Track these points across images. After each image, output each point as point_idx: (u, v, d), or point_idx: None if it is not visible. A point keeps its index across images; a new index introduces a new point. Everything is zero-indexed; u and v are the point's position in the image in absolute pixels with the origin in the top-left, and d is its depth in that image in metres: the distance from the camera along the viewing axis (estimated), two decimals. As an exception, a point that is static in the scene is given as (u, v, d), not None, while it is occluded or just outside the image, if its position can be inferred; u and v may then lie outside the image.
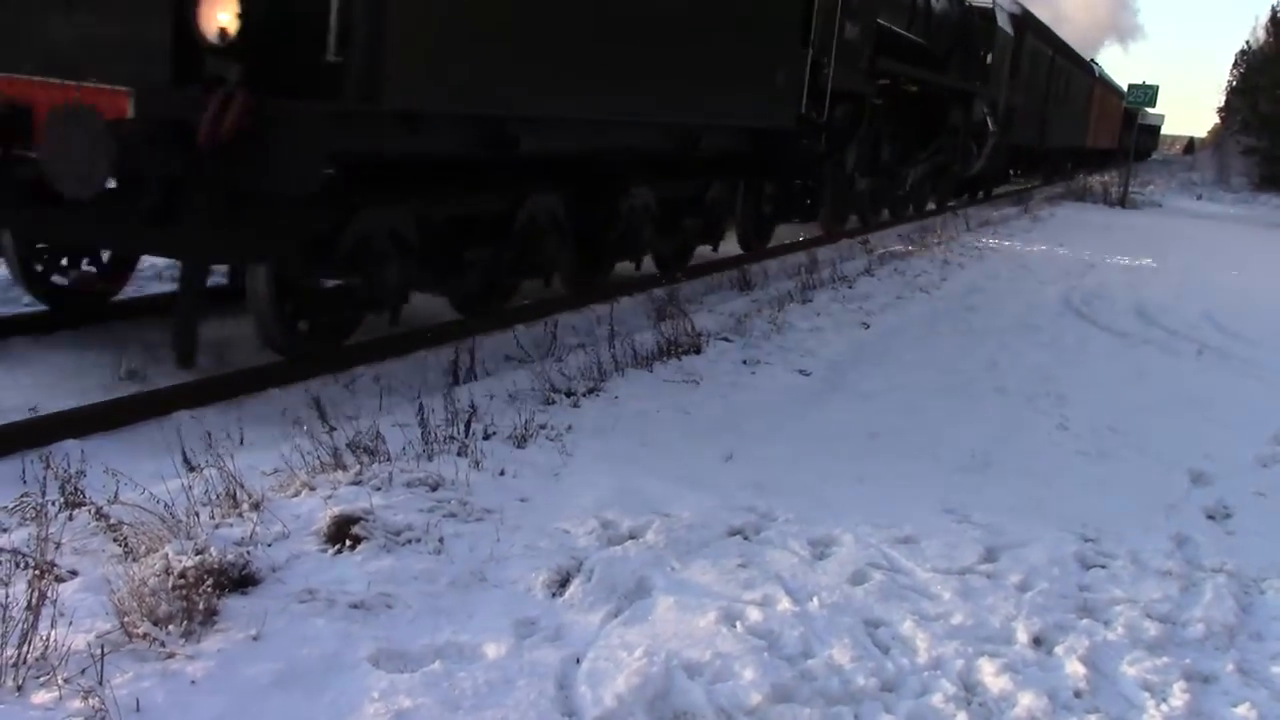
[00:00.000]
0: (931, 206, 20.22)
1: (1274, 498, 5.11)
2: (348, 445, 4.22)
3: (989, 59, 20.12)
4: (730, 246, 11.41)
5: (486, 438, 4.56)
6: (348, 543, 3.43)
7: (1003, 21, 21.46)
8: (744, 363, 6.47)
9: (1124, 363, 7.88)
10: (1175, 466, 5.43)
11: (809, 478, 4.69)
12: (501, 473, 4.23)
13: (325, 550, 3.41)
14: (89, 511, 3.41)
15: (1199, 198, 37.61)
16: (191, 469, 4.07)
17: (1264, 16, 58.18)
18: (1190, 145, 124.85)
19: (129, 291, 7.13)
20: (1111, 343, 8.62)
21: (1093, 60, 43.67)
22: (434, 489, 3.95)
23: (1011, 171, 32.34)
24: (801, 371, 6.50)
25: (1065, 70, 33.27)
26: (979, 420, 5.92)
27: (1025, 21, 24.83)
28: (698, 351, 6.49)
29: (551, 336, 6.58)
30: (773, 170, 10.99)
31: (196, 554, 3.06)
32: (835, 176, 13.23)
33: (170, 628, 2.84)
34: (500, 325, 7.09)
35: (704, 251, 10.63)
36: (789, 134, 10.17)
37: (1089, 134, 42.98)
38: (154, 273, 7.77)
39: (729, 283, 9.77)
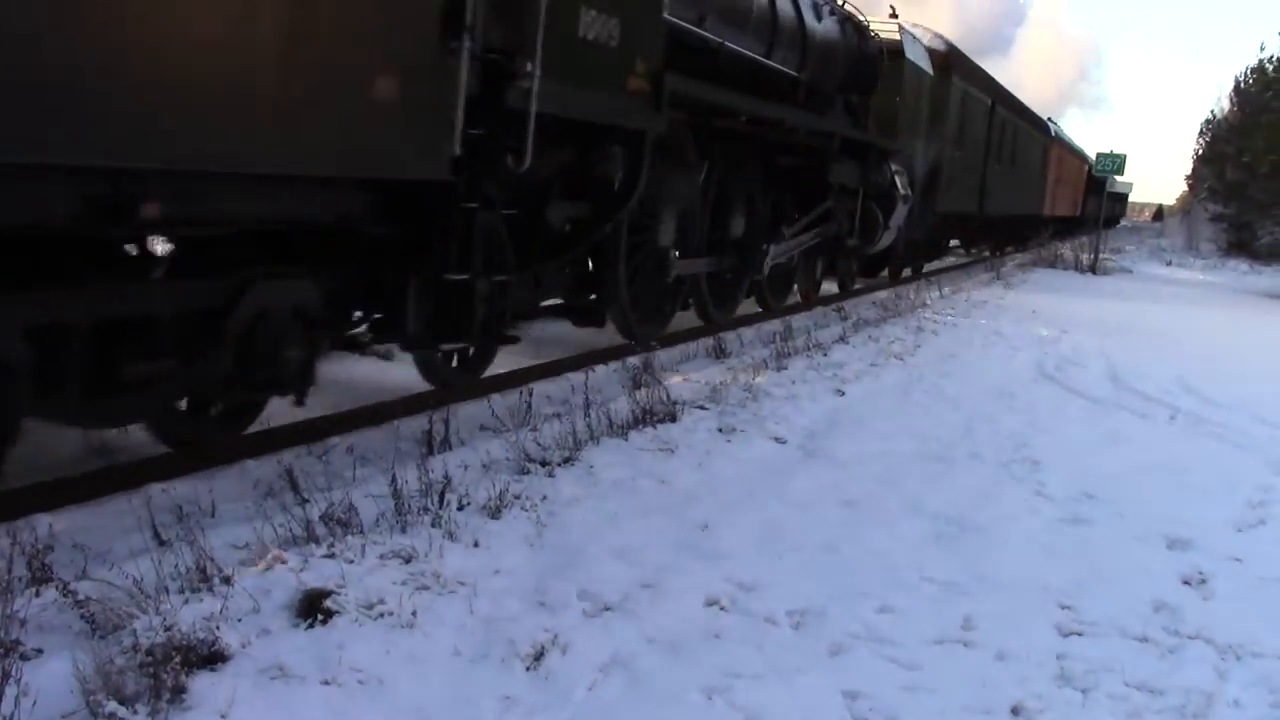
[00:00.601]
0: (835, 288, 16.48)
1: (1250, 563, 5.12)
2: (320, 517, 4.18)
3: (897, 103, 16.18)
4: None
5: (461, 508, 4.52)
6: (319, 617, 3.38)
7: (915, 56, 17.23)
8: (720, 430, 6.46)
9: (1098, 428, 7.91)
10: (1151, 532, 5.43)
11: (786, 547, 4.67)
12: (476, 544, 4.19)
13: (297, 625, 3.36)
14: (56, 588, 3.35)
15: (1169, 264, 38.11)
16: (161, 543, 4.02)
17: (1228, 86, 59.30)
18: (1159, 212, 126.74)
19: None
20: (1086, 408, 8.66)
21: (1049, 119, 39.11)
22: (407, 561, 3.91)
23: (953, 244, 29.39)
24: (777, 439, 6.50)
25: (1012, 125, 28.75)
26: (955, 487, 5.92)
27: (953, 61, 20.33)
28: (673, 420, 6.48)
29: (527, 405, 6.56)
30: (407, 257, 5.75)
31: (165, 630, 3.02)
32: (642, 258, 9.21)
33: (138, 706, 2.78)
34: (476, 394, 7.07)
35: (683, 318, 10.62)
36: (439, 193, 5.55)
37: (1046, 200, 37.60)
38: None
39: (704, 350, 9.79)
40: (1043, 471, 6.43)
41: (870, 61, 13.79)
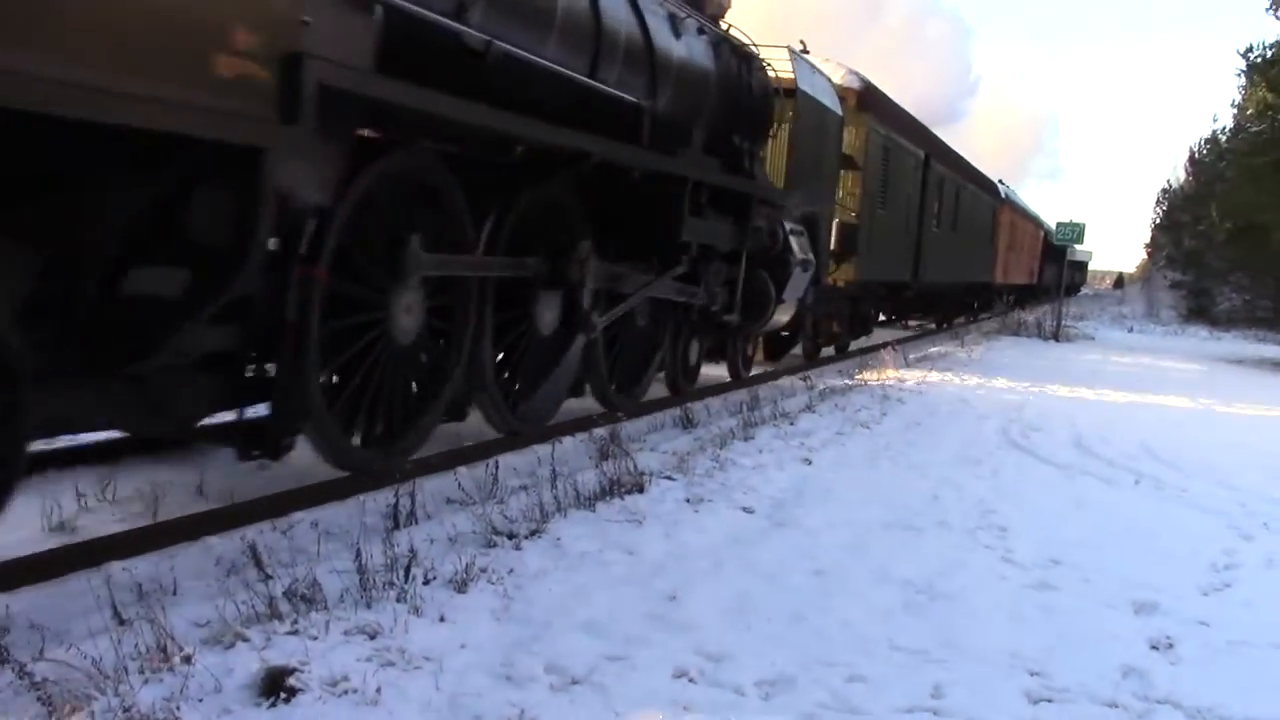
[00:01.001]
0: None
1: (1216, 627, 5.13)
2: (284, 593, 4.14)
3: (795, 148, 13.20)
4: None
5: (426, 583, 4.48)
6: (282, 695, 3.33)
7: (816, 91, 13.71)
8: (688, 501, 6.45)
9: (1064, 494, 7.95)
10: (1119, 597, 5.44)
11: (755, 617, 4.65)
12: (442, 619, 4.15)
13: (259, 704, 3.31)
14: (12, 670, 3.29)
15: (1130, 330, 38.60)
16: (121, 622, 3.95)
17: (1183, 156, 60.59)
18: (1120, 280, 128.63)
19: (63, 439, 7.01)
20: (1051, 474, 8.71)
21: (1000, 181, 35.78)
22: (372, 637, 3.86)
23: (889, 318, 26.35)
24: (745, 509, 6.49)
25: (953, 184, 25.47)
26: (923, 555, 5.92)
27: (870, 101, 17.02)
28: (641, 490, 6.47)
29: (493, 478, 6.53)
30: None
31: (123, 711, 2.97)
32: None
33: (93, 791, 2.72)
34: (442, 468, 7.03)
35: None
36: None
37: (997, 267, 34.43)
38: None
39: (672, 421, 9.80)
40: (1010, 538, 6.44)
41: (760, 96, 11.46)
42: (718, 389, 12.30)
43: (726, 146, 10.78)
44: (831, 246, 15.27)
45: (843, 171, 16.12)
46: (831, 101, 14.73)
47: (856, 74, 16.97)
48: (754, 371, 13.82)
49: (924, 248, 21.97)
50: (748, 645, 4.30)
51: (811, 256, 12.70)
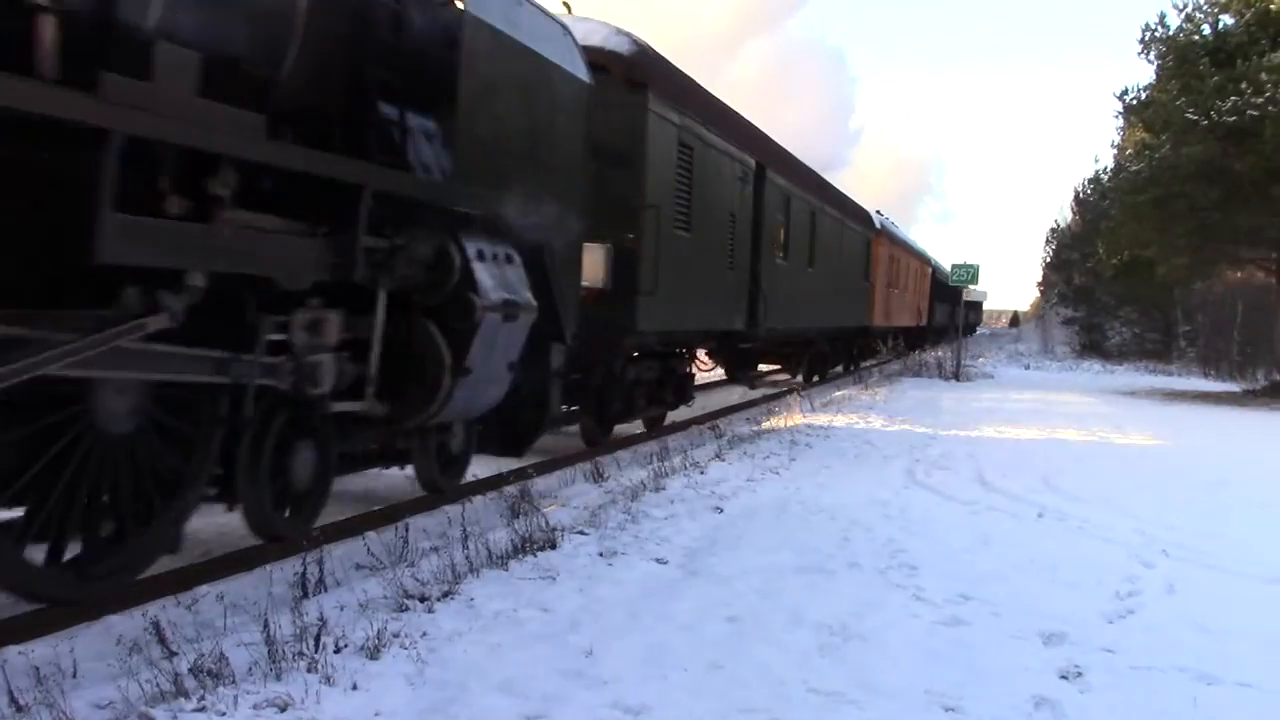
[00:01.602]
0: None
1: (1122, 653, 5.24)
2: (190, 670, 4.04)
3: (469, 113, 7.48)
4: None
5: (337, 651, 4.41)
6: (190, 775, 3.23)
7: (518, 30, 8.15)
8: (601, 555, 6.44)
9: (970, 530, 8.08)
10: (1027, 629, 5.54)
11: (672, 667, 4.64)
12: (354, 687, 4.08)
13: (166, 785, 3.21)
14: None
15: (1027, 367, 39.52)
16: (19, 709, 3.82)
17: (1069, 197, 62.57)
18: (1015, 318, 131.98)
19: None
20: (957, 512, 8.84)
21: (877, 211, 31.71)
22: (283, 709, 3.79)
23: (732, 376, 21.04)
24: (659, 560, 6.49)
25: (806, 208, 20.47)
26: (836, 597, 5.97)
27: (649, 75, 11.94)
28: (553, 546, 6.44)
29: (403, 541, 6.45)
30: None
31: (22, 801, 2.85)
32: None
33: None
34: (350, 533, 6.94)
35: (554, 444, 10.60)
36: None
37: (874, 308, 29.55)
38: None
39: (582, 475, 9.78)
40: (920, 576, 6.53)
41: (428, 41, 7.45)
42: (630, 440, 12.33)
43: (342, 106, 6.79)
44: (594, 282, 10.60)
45: (617, 174, 11.17)
46: (565, 58, 9.08)
47: (631, 37, 11.75)
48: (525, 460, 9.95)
49: (764, 286, 16.80)
50: (667, 697, 4.29)
51: (528, 297, 7.98)
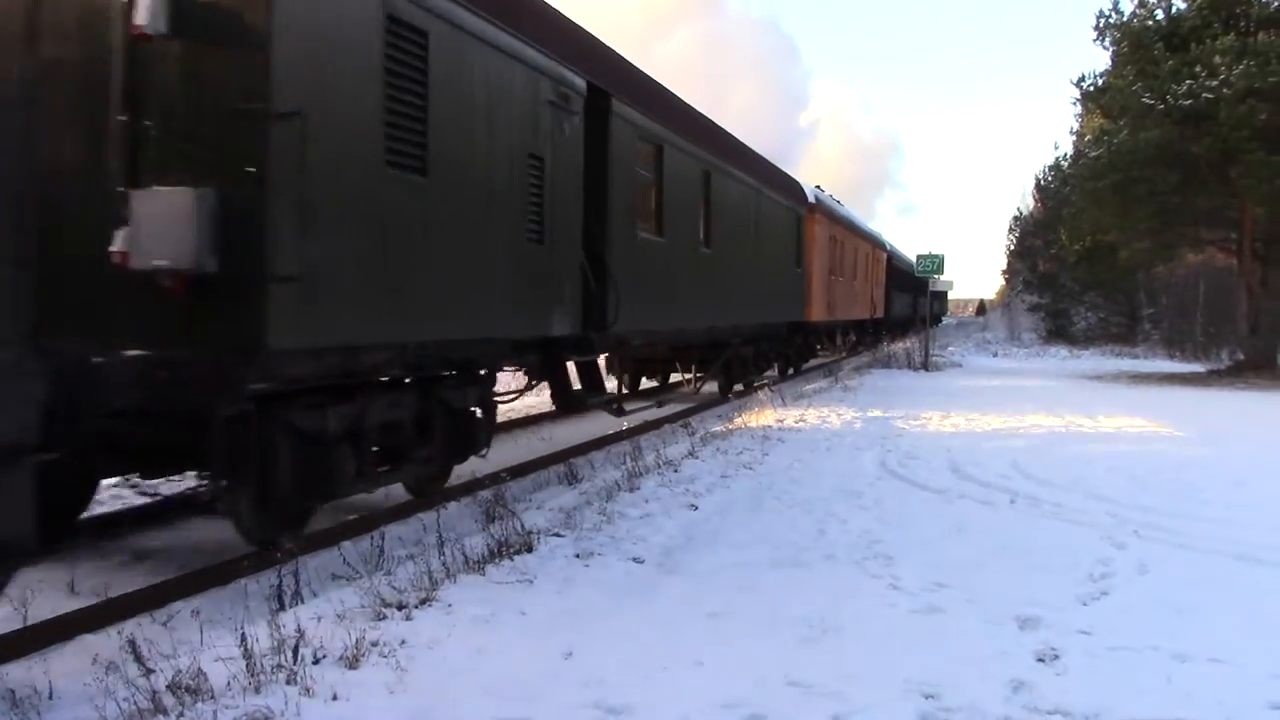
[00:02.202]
0: None
1: (1098, 635, 5.29)
2: (167, 687, 4.02)
3: None
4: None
5: (316, 662, 4.40)
6: (172, 792, 3.21)
7: None
8: (577, 556, 6.44)
9: (944, 518, 8.13)
10: (1003, 614, 5.58)
11: (653, 666, 4.65)
12: (334, 697, 4.07)
13: (147, 803, 3.19)
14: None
15: (995, 355, 39.83)
16: (-5, 732, 3.79)
17: (1031, 185, 63.04)
18: (981, 306, 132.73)
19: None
20: (930, 500, 8.90)
21: (817, 187, 26.34)
22: (263, 722, 3.77)
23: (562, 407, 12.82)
24: (635, 559, 6.50)
25: (696, 167, 15.25)
26: (813, 589, 5.99)
27: None
28: (530, 550, 6.43)
29: (379, 550, 6.43)
30: None
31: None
32: None
33: None
34: (325, 543, 6.91)
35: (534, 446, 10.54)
36: None
37: (811, 300, 24.41)
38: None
39: (556, 478, 9.78)
40: (896, 565, 6.56)
41: None
42: (601, 441, 12.32)
43: None
44: (173, 260, 5.88)
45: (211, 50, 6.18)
46: None
47: None
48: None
49: (615, 271, 11.48)
50: (649, 695, 4.29)
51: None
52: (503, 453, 9.94)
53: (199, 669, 4.13)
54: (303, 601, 5.53)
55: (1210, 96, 22.41)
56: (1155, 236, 27.88)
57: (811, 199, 24.76)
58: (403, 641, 4.72)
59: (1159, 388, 24.03)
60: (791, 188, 22.86)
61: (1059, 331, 53.77)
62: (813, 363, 28.97)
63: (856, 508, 8.38)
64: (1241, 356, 28.88)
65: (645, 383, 19.80)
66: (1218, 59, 22.61)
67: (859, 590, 6.04)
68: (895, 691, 4.42)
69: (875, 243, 37.47)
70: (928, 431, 13.62)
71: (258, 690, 4.05)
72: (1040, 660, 4.92)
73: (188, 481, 7.94)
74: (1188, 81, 22.81)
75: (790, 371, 25.31)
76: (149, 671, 4.23)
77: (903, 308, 47.94)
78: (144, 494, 8.37)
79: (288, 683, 4.13)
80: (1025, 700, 4.40)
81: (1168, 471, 10.73)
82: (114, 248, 5.84)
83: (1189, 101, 22.69)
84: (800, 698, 4.35)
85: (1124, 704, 4.34)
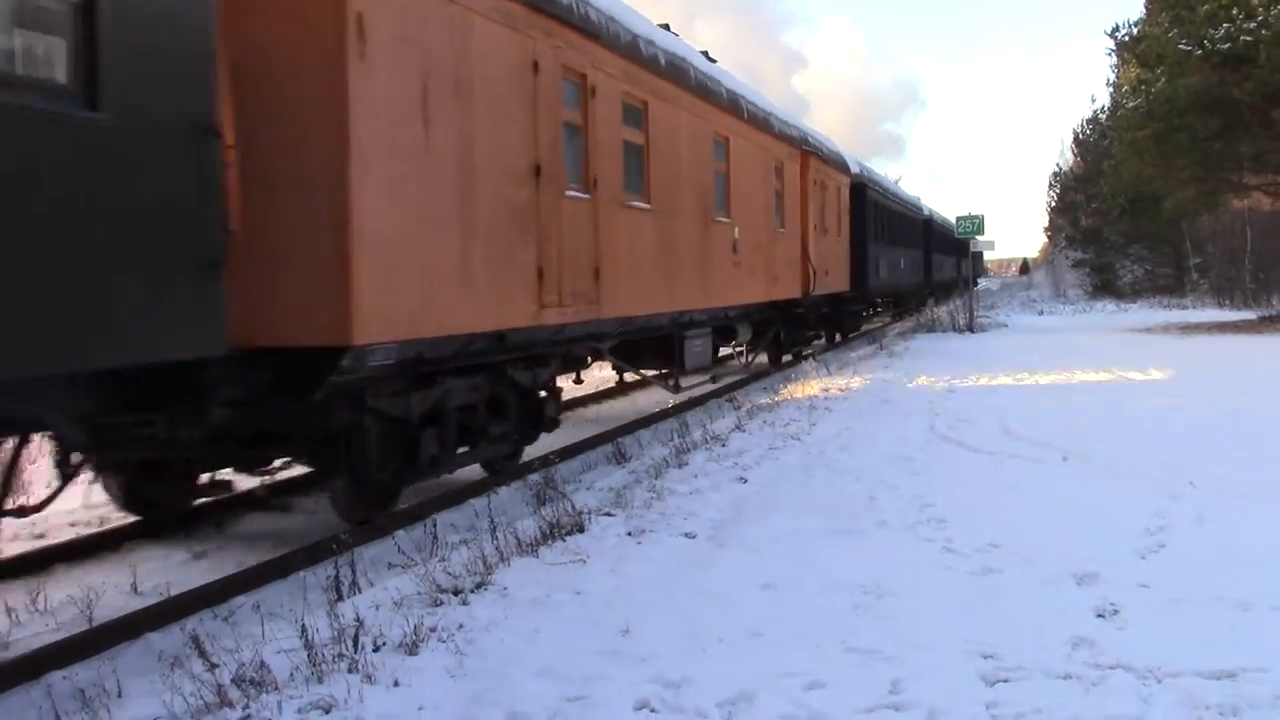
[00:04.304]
0: None
1: (1157, 588, 5.24)
2: (232, 680, 4.07)
3: None
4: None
5: (376, 649, 4.44)
6: (241, 782, 3.26)
7: None
8: (629, 534, 6.45)
9: (996, 479, 8.07)
10: (1060, 572, 5.54)
11: (709, 638, 4.66)
12: (396, 683, 4.11)
13: (218, 794, 3.25)
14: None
15: (1040, 313, 39.47)
16: (68, 732, 3.86)
17: (1069, 139, 62.25)
18: (1025, 265, 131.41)
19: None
20: (981, 462, 8.83)
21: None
22: (327, 711, 3.82)
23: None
24: (687, 535, 6.50)
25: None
26: (867, 556, 5.98)
27: None
28: (581, 530, 6.46)
29: (432, 537, 6.48)
30: None
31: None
32: None
33: None
34: (379, 534, 6.97)
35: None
36: None
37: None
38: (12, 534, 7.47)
39: (605, 458, 9.80)
40: (949, 528, 6.53)
41: None
42: (647, 420, 12.33)
43: None
44: None
45: None
46: None
47: None
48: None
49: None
50: (705, 667, 4.30)
51: None
52: (549, 436, 9.97)
53: (262, 661, 4.18)
54: (360, 591, 5.58)
55: (1249, 39, 22.00)
56: (1198, 184, 27.47)
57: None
58: (460, 626, 4.75)
59: (1209, 337, 23.72)
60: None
61: (1105, 286, 53.17)
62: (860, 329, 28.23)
63: (907, 473, 8.34)
64: (1293, 301, 28.45)
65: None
66: (1255, 1, 22.18)
67: (913, 555, 6.02)
68: (954, 653, 4.41)
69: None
70: (975, 393, 13.51)
71: (320, 680, 4.10)
72: (1100, 616, 4.88)
73: (239, 483, 8.04)
74: (1225, 25, 22.40)
75: (837, 339, 25.19)
76: (213, 666, 4.29)
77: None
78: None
79: (349, 671, 4.17)
80: (1086, 656, 4.37)
81: (1221, 420, 10.59)
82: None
83: (1227, 45, 22.28)
84: (859, 663, 4.34)
85: (1188, 656, 4.30)
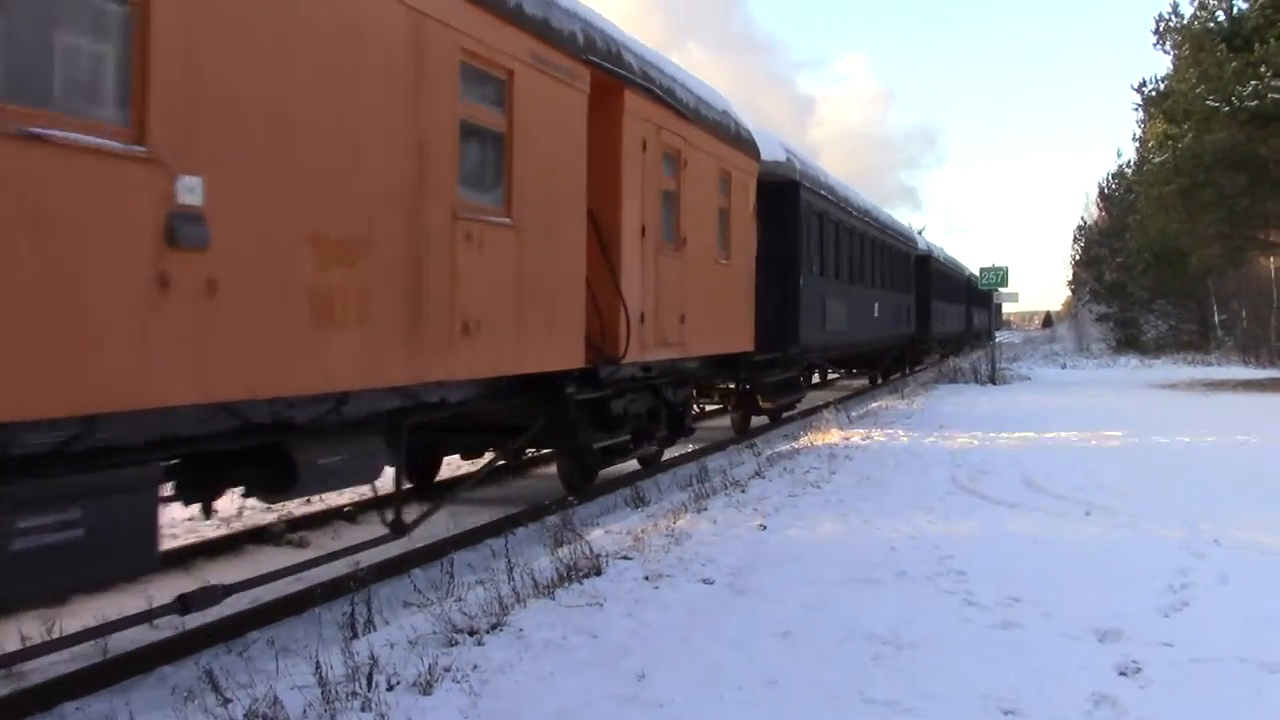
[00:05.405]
0: None
1: (1180, 646, 5.17)
2: (245, 715, 4.06)
3: None
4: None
5: (390, 688, 4.42)
6: (251, 819, 3.23)
7: None
8: (646, 578, 6.41)
9: (1018, 532, 8.00)
10: (1082, 627, 5.47)
11: (726, 686, 4.61)
12: (409, 723, 4.09)
13: (228, 830, 3.22)
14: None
15: (1063, 367, 39.23)
16: (79, 763, 3.84)
17: (1094, 193, 62.27)
18: (1048, 318, 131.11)
19: None
20: (1003, 514, 8.76)
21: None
22: (339, 749, 3.79)
23: None
24: (705, 580, 6.46)
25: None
26: (886, 606, 5.93)
27: None
28: (598, 573, 6.43)
29: (449, 576, 6.46)
30: None
31: None
32: None
33: None
34: (395, 571, 6.96)
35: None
36: None
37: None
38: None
39: (623, 501, 9.77)
40: (969, 581, 6.47)
41: None
42: (667, 465, 12.30)
43: None
44: None
45: None
46: None
47: None
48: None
49: None
50: (721, 715, 4.26)
51: None
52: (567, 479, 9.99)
53: (275, 697, 4.16)
54: (375, 629, 5.57)
55: (1277, 97, 21.98)
56: (1224, 241, 27.38)
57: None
58: (475, 666, 4.72)
59: (1235, 395, 23.55)
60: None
61: (1129, 341, 52.94)
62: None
63: (927, 523, 8.27)
64: (1319, 360, 28.25)
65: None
66: (1282, 58, 22.18)
67: (932, 606, 5.96)
68: (973, 707, 4.35)
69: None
70: (998, 446, 13.43)
71: (333, 717, 4.08)
72: (1121, 674, 4.82)
73: (256, 516, 8.05)
74: (1253, 83, 22.39)
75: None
76: (226, 701, 4.27)
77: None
78: (215, 525, 8.48)
79: (362, 709, 4.15)
80: (1107, 715, 4.31)
81: (1247, 478, 10.49)
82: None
83: (1255, 103, 22.26)
84: (877, 715, 4.29)
85: (1209, 717, 4.23)
